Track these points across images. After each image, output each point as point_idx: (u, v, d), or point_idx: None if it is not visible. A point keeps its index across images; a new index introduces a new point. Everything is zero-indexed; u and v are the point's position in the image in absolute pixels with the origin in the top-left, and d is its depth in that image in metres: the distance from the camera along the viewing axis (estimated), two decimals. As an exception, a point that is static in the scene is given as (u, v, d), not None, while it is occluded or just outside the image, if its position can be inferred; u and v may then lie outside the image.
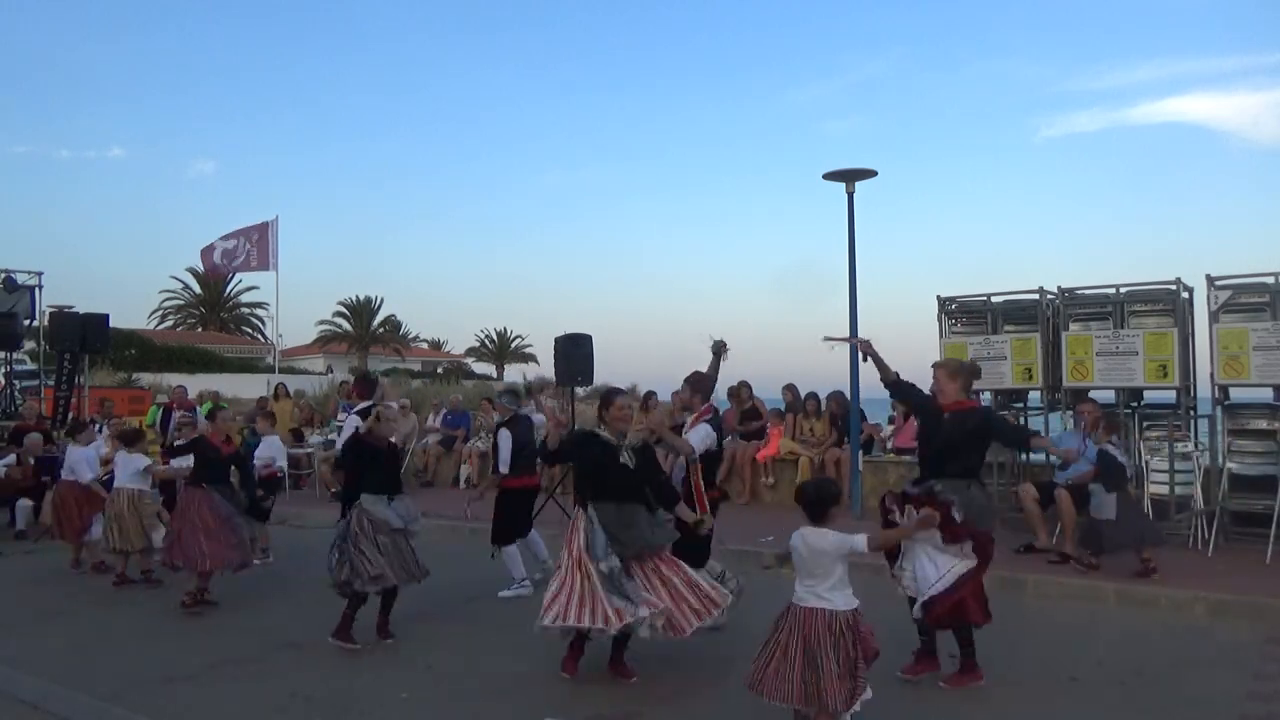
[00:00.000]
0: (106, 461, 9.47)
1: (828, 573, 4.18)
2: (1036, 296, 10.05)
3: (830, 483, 4.50)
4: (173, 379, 24.62)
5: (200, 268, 32.28)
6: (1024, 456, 10.50)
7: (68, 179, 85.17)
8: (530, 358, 58.06)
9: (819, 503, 4.29)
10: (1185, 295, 9.25)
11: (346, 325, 51.70)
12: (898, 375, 5.90)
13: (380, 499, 6.39)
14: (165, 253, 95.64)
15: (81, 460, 9.00)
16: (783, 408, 12.73)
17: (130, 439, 8.66)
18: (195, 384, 20.64)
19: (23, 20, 76.54)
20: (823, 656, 4.06)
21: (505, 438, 7.90)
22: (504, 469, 7.88)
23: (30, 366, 18.39)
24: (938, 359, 6.11)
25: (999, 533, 6.00)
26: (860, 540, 4.22)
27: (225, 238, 23.69)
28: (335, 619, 6.26)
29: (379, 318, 52.34)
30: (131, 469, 8.38)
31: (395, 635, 6.40)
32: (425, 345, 59.02)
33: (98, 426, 12.04)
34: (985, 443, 5.76)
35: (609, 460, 5.53)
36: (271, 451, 11.30)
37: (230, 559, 7.45)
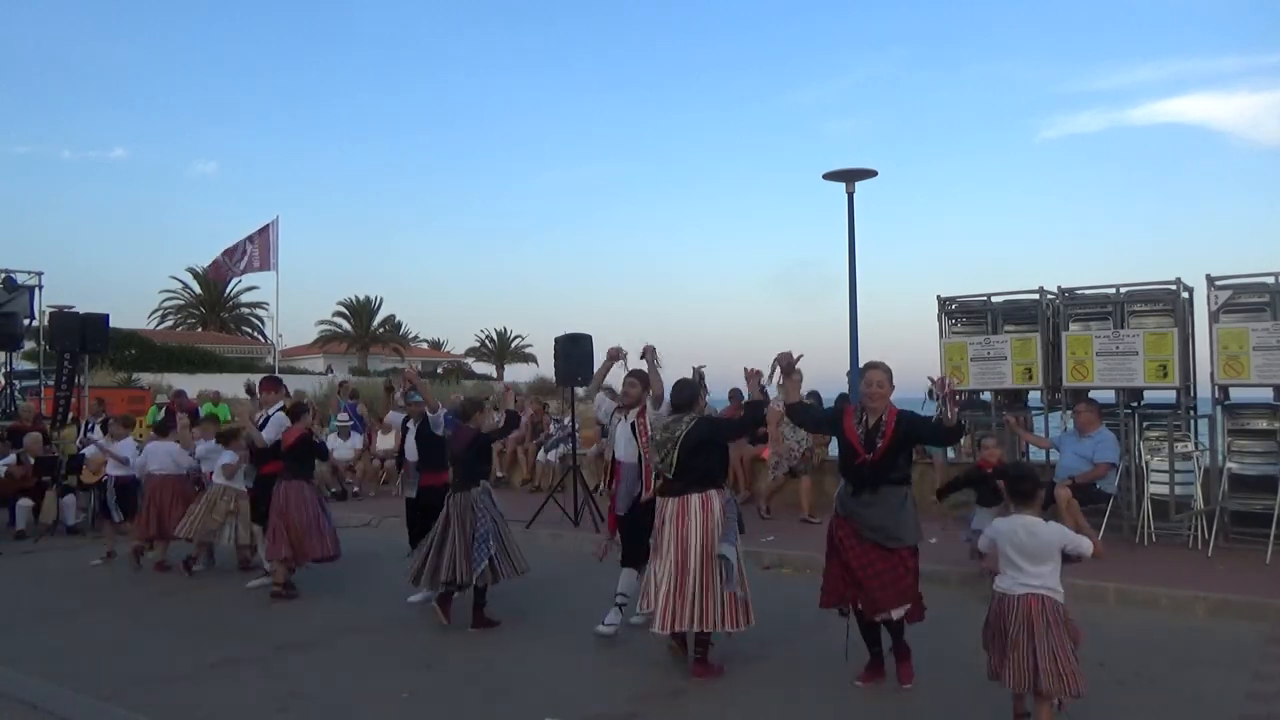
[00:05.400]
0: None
1: (1049, 559, 4.29)
2: (1036, 296, 10.04)
3: (1032, 467, 4.70)
4: (173, 379, 24.65)
5: (201, 268, 32.25)
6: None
7: (69, 179, 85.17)
8: (530, 358, 58.10)
9: (1026, 483, 4.47)
10: (1185, 295, 9.24)
11: (346, 325, 51.72)
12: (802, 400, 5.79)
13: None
14: (165, 253, 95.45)
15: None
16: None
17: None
18: (195, 384, 20.69)
19: (25, 20, 76.63)
20: (1054, 642, 4.19)
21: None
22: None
23: (30, 366, 18.40)
24: (872, 360, 5.61)
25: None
26: (1086, 544, 4.34)
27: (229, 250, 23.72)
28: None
29: (379, 318, 52.40)
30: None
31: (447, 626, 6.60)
32: (425, 345, 58.99)
33: (91, 426, 12.07)
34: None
35: None
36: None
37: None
